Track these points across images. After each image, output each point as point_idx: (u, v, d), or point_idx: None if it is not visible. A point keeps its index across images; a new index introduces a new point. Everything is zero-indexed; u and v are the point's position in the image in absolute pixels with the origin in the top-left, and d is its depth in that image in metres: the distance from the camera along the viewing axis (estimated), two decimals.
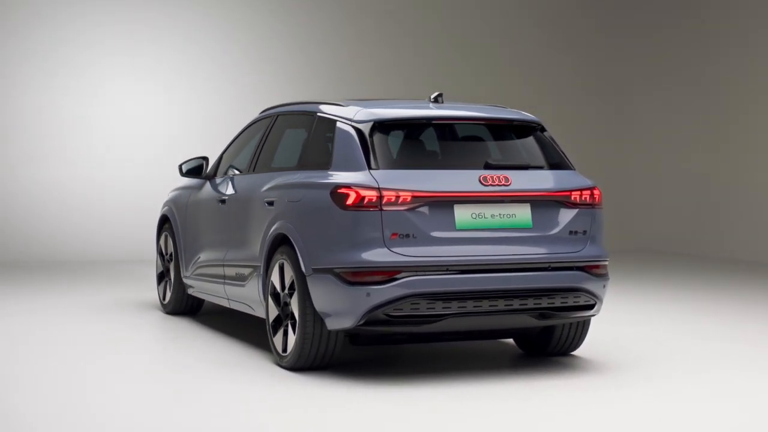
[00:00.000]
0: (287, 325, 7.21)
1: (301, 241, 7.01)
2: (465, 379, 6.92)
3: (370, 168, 6.84)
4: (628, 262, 14.92)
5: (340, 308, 6.71)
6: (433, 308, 6.65)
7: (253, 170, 8.29)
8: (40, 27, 15.20)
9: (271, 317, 7.42)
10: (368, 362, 7.53)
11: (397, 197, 6.68)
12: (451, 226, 6.77)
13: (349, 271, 6.64)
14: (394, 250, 6.65)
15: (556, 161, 7.36)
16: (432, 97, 7.54)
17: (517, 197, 6.93)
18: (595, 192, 7.22)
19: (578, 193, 7.14)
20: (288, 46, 16.37)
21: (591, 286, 7.06)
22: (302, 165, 7.52)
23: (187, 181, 9.79)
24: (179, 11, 15.80)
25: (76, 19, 15.32)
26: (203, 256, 8.99)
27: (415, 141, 7.18)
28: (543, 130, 7.47)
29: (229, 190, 8.48)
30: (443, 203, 6.77)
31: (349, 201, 6.70)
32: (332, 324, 6.81)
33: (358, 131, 7.04)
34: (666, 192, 17.20)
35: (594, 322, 9.21)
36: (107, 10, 15.47)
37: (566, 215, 7.09)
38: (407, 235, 6.68)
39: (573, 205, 7.11)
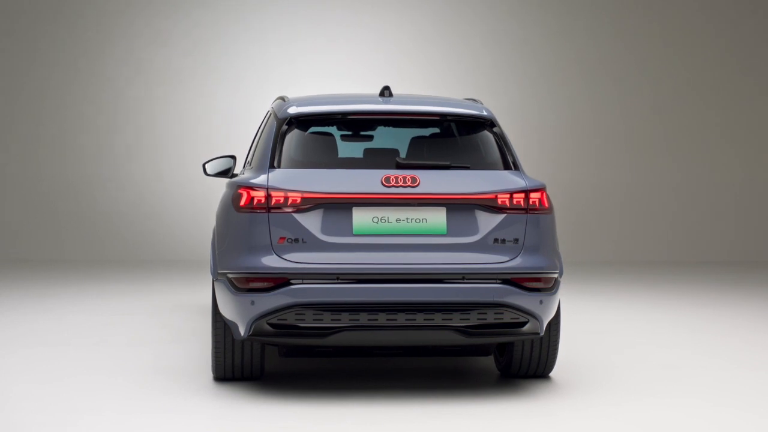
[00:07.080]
0: None
1: (215, 243, 6.64)
2: (404, 400, 6.28)
3: (272, 167, 6.35)
4: None
5: (233, 316, 6.27)
6: (321, 320, 6.05)
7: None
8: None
9: None
10: (308, 375, 7.02)
11: (286, 198, 6.14)
12: (348, 231, 6.14)
13: (238, 277, 6.19)
14: (284, 256, 6.11)
15: (497, 160, 6.50)
16: (380, 90, 6.90)
17: (428, 200, 6.17)
18: (533, 195, 6.28)
19: (506, 196, 6.25)
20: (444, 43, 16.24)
21: (519, 301, 6.14)
22: (250, 164, 7.14)
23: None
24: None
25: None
26: None
27: (325, 138, 6.59)
28: (493, 125, 6.64)
29: None
30: (340, 206, 6.15)
31: (242, 202, 6.25)
32: (236, 333, 6.37)
33: (277, 128, 6.58)
34: None
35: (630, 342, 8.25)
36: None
37: (490, 221, 6.23)
38: (296, 240, 6.12)
39: (499, 209, 6.25)
